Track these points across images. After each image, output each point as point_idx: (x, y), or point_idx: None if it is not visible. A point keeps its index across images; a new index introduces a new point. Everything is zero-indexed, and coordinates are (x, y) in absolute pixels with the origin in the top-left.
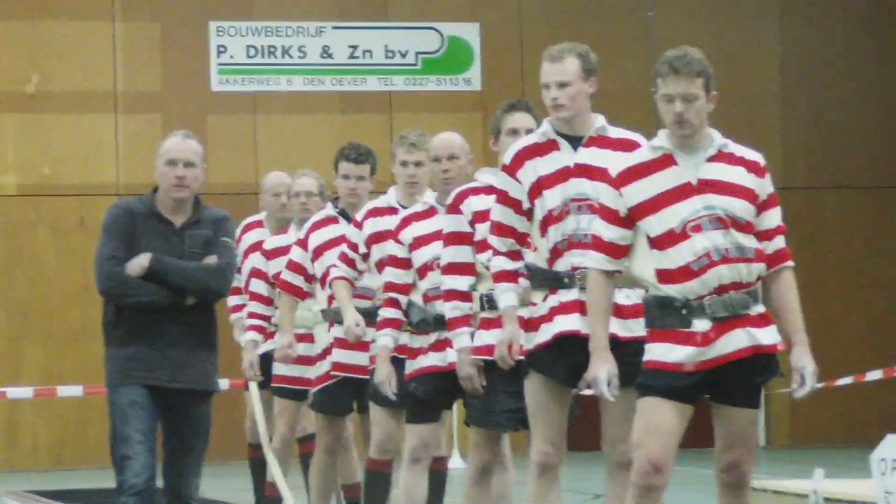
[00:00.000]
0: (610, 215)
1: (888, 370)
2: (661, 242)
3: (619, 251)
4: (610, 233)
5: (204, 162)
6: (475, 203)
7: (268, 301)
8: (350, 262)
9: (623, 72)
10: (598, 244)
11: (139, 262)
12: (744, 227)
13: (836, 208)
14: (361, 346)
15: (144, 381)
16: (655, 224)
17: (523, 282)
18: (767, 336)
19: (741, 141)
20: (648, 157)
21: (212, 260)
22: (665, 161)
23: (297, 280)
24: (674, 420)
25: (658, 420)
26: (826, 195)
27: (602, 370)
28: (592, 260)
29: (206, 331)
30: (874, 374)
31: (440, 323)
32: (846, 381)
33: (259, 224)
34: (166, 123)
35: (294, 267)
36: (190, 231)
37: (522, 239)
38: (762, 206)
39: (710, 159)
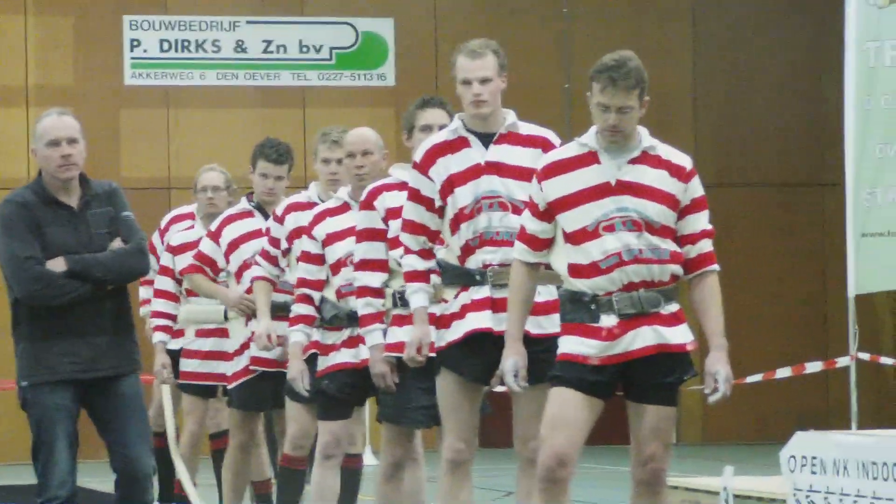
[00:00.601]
0: (533, 208)
1: (797, 368)
2: (574, 238)
3: (539, 244)
4: (533, 225)
5: (84, 138)
6: (388, 199)
7: (175, 298)
8: (272, 260)
9: (537, 68)
10: (522, 236)
11: (56, 267)
12: (659, 230)
13: (746, 206)
14: (279, 339)
15: (70, 375)
16: (570, 220)
17: (435, 279)
18: (676, 335)
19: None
20: (573, 154)
21: (118, 243)
22: (588, 159)
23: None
24: (582, 413)
25: (566, 413)
26: (736, 193)
27: (509, 361)
28: (516, 250)
29: (125, 312)
30: (784, 372)
31: (353, 319)
32: (756, 378)
33: (178, 219)
34: (81, 118)
35: (202, 258)
36: (90, 211)
37: (434, 237)
38: (685, 210)
39: (634, 161)
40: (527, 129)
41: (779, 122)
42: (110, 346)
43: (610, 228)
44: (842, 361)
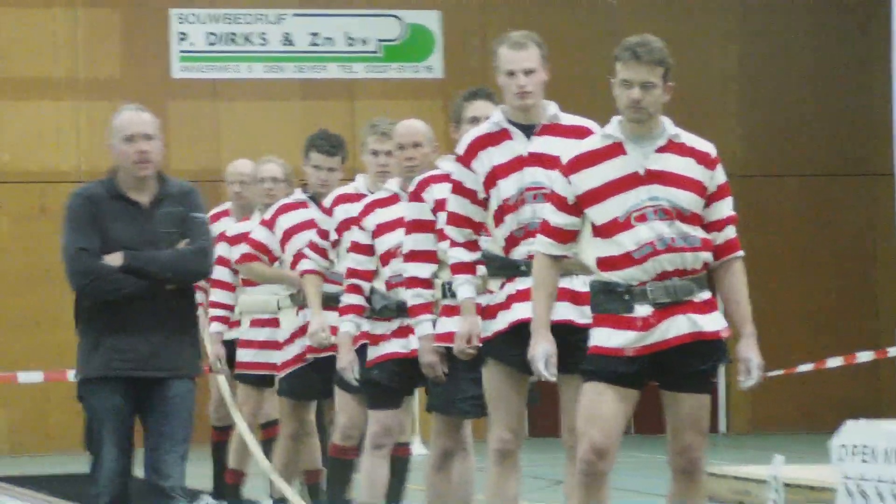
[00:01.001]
0: (559, 201)
1: (848, 357)
2: (606, 231)
3: (566, 236)
4: (558, 218)
5: (161, 133)
6: (437, 191)
7: (231, 288)
8: (321, 252)
9: (583, 60)
10: (545, 229)
11: (113, 262)
12: (689, 218)
13: (794, 195)
14: (332, 330)
15: (124, 372)
16: (601, 213)
17: (481, 270)
18: (710, 322)
19: (698, 128)
20: (599, 146)
21: (185, 244)
22: (614, 150)
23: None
24: (617, 406)
25: (601, 406)
26: (784, 182)
27: (539, 349)
28: (539, 244)
29: (187, 314)
30: (834, 362)
31: (402, 310)
32: (807, 367)
33: (226, 213)
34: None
35: (257, 245)
36: (160, 209)
37: (479, 228)
38: (712, 198)
39: (660, 150)
40: (569, 119)
41: (826, 112)
42: (169, 345)
43: (642, 218)
44: (892, 351)
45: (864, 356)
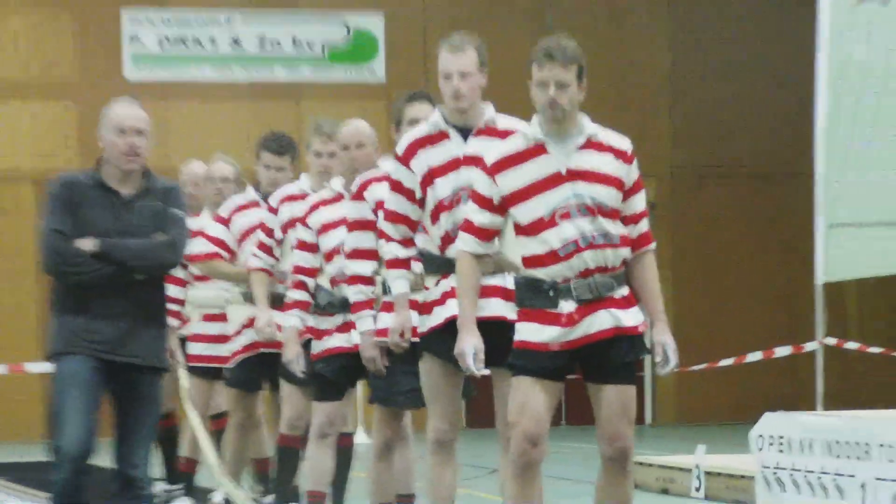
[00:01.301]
0: (482, 201)
1: (767, 352)
2: (531, 229)
3: (489, 235)
4: (482, 217)
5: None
6: (378, 191)
7: (183, 283)
8: (267, 250)
9: (521, 64)
10: (469, 227)
11: (83, 246)
12: (610, 213)
13: (721, 196)
14: (278, 326)
15: (89, 352)
16: (526, 212)
17: (417, 267)
18: (630, 318)
19: (632, 128)
20: (522, 146)
21: (161, 236)
22: (537, 150)
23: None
24: (545, 397)
25: (530, 399)
26: (713, 183)
27: (468, 345)
28: (463, 242)
29: (155, 306)
30: (754, 356)
31: (345, 306)
32: (728, 362)
33: None
34: (80, 112)
35: (218, 243)
36: (140, 202)
37: (415, 226)
38: (628, 192)
39: (581, 148)
40: (505, 122)
41: (755, 113)
42: (136, 333)
43: (566, 216)
44: (809, 346)
45: (783, 351)
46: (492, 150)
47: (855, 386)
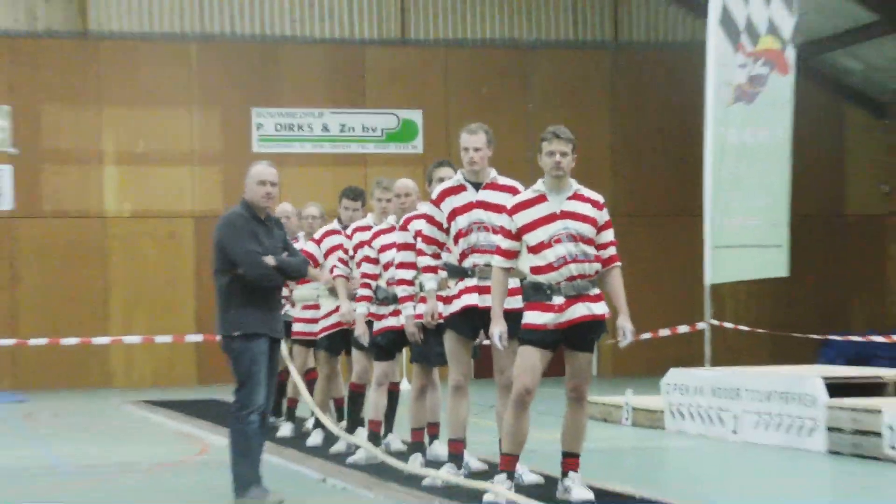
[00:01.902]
0: (507, 233)
1: (673, 329)
2: (536, 249)
3: (512, 255)
4: (506, 244)
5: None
6: (417, 224)
7: (287, 285)
8: (344, 263)
9: (510, 141)
10: (499, 251)
11: (269, 262)
12: (587, 241)
13: (644, 228)
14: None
15: (268, 333)
16: (533, 237)
17: (442, 273)
18: (599, 308)
19: (586, 180)
20: (530, 197)
21: (285, 255)
22: (540, 199)
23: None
24: (539, 361)
25: (530, 361)
26: (639, 220)
27: (496, 329)
28: (496, 261)
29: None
30: (664, 332)
31: (395, 299)
32: (647, 336)
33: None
34: (224, 173)
35: (309, 256)
36: (275, 231)
37: (442, 247)
38: (601, 229)
39: (569, 198)
40: (503, 180)
41: (668, 175)
42: (278, 318)
43: (558, 241)
44: (700, 325)
45: (683, 328)
46: (511, 200)
47: (729, 351)
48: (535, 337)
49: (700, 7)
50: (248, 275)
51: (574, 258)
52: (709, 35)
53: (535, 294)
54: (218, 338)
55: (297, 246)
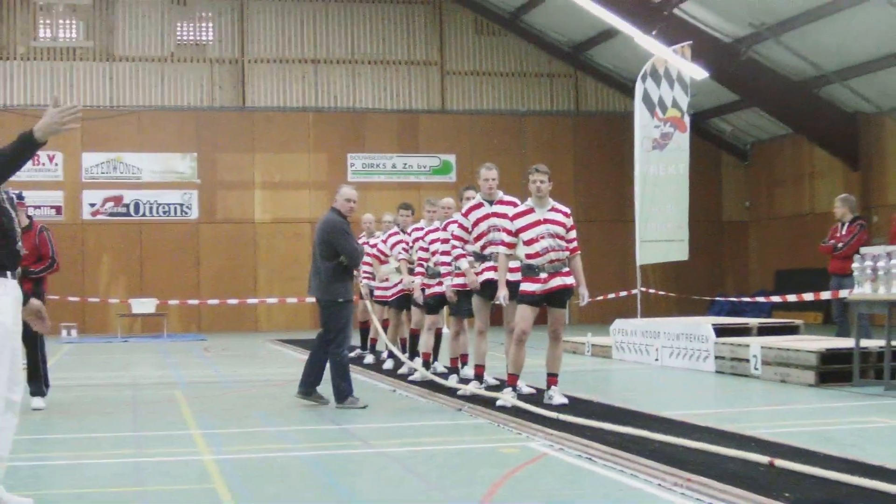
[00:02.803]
0: (509, 232)
1: (617, 294)
2: (528, 243)
3: (512, 246)
4: (509, 239)
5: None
6: (451, 227)
7: (370, 264)
8: (406, 251)
9: (510, 168)
10: (503, 243)
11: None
12: (561, 237)
13: (595, 230)
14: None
15: (351, 299)
16: (526, 235)
17: (469, 258)
18: (569, 280)
19: (557, 196)
20: (524, 209)
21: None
22: (530, 211)
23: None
24: (531, 313)
25: (525, 314)
26: (592, 225)
27: (501, 293)
28: (501, 250)
29: None
30: (611, 294)
31: (439, 274)
32: (600, 297)
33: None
34: (328, 194)
35: (380, 250)
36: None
37: (466, 242)
38: (569, 229)
39: (550, 210)
40: (507, 198)
41: (609, 193)
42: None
43: (542, 237)
44: (634, 291)
45: (623, 293)
46: (511, 211)
47: (651, 308)
48: (529, 299)
49: (629, 90)
50: (351, 264)
51: (553, 248)
52: (635, 107)
53: (528, 271)
54: (316, 300)
55: (372, 241)
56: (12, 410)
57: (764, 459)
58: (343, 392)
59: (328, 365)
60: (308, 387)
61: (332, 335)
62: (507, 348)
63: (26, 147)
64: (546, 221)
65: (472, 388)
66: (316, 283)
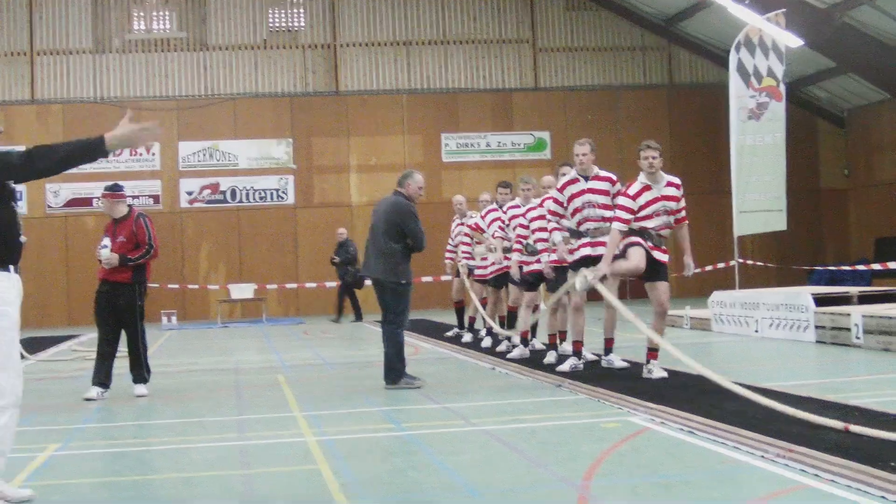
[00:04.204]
0: (629, 210)
1: (715, 266)
2: (643, 219)
3: (628, 223)
4: (626, 216)
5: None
6: (548, 203)
7: (468, 244)
8: (502, 230)
9: (604, 146)
10: (620, 220)
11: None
12: (674, 212)
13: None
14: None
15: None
16: (642, 213)
17: (565, 233)
18: (665, 257)
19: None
20: (640, 187)
21: None
22: (647, 188)
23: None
24: (643, 255)
25: (639, 253)
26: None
27: (604, 267)
28: (618, 225)
29: None
30: (709, 267)
31: (536, 252)
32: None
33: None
34: (425, 175)
35: (478, 227)
36: None
37: (563, 217)
38: (679, 200)
39: (666, 186)
40: (603, 173)
41: (707, 165)
42: None
43: (658, 214)
44: (732, 263)
45: (721, 265)
46: (612, 188)
47: (750, 279)
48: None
49: (723, 60)
50: (417, 247)
51: (664, 226)
52: (730, 77)
53: (639, 234)
54: (378, 281)
55: (467, 222)
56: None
57: (839, 425)
58: (399, 372)
59: (385, 344)
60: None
61: (392, 316)
62: (606, 324)
63: (93, 150)
64: (663, 198)
65: (571, 363)
66: (381, 264)
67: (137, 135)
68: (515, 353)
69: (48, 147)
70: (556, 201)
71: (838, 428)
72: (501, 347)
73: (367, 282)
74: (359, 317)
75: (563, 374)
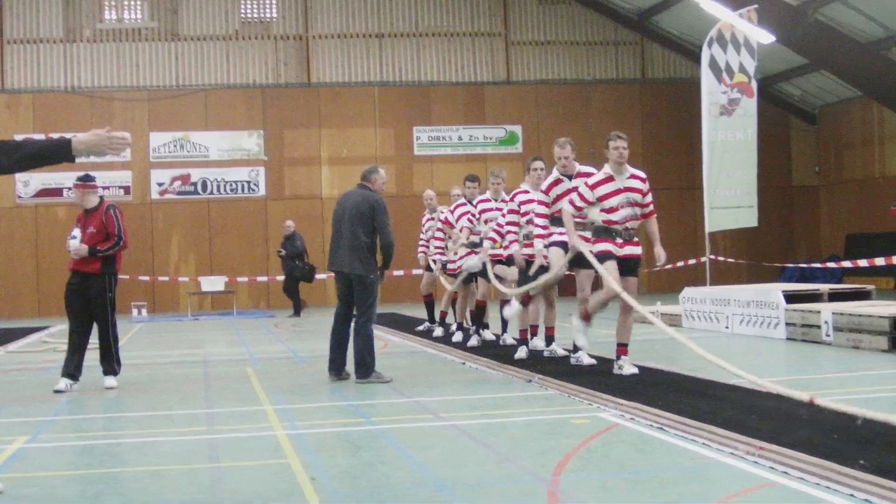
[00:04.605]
0: (584, 199)
1: (686, 261)
2: (608, 211)
3: (579, 209)
4: (580, 203)
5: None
6: (518, 197)
7: (441, 239)
8: (471, 222)
9: (579, 143)
10: (573, 204)
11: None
12: (640, 204)
13: (669, 198)
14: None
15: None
16: (606, 204)
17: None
18: (638, 250)
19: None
20: (602, 177)
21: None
22: (610, 179)
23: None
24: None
25: (615, 268)
26: (664, 192)
27: (578, 244)
28: (567, 207)
29: None
30: (691, 262)
31: (529, 236)
32: (669, 266)
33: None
34: (396, 168)
35: (447, 222)
36: None
37: (547, 217)
38: (646, 194)
39: (629, 178)
40: (584, 169)
41: (678, 161)
42: None
43: (622, 206)
44: (703, 259)
45: (692, 261)
46: (590, 180)
47: (721, 275)
48: (611, 256)
49: (696, 56)
50: (386, 242)
51: (630, 217)
52: (702, 73)
53: (606, 233)
54: (345, 274)
55: (436, 217)
56: None
57: (804, 397)
58: (369, 367)
59: (352, 339)
60: (341, 367)
61: (362, 309)
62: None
63: (59, 152)
64: (626, 189)
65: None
66: (350, 257)
67: (105, 143)
68: (473, 342)
69: (15, 143)
70: (542, 203)
71: (804, 399)
72: (473, 342)
73: (319, 276)
74: (297, 313)
75: (521, 362)
